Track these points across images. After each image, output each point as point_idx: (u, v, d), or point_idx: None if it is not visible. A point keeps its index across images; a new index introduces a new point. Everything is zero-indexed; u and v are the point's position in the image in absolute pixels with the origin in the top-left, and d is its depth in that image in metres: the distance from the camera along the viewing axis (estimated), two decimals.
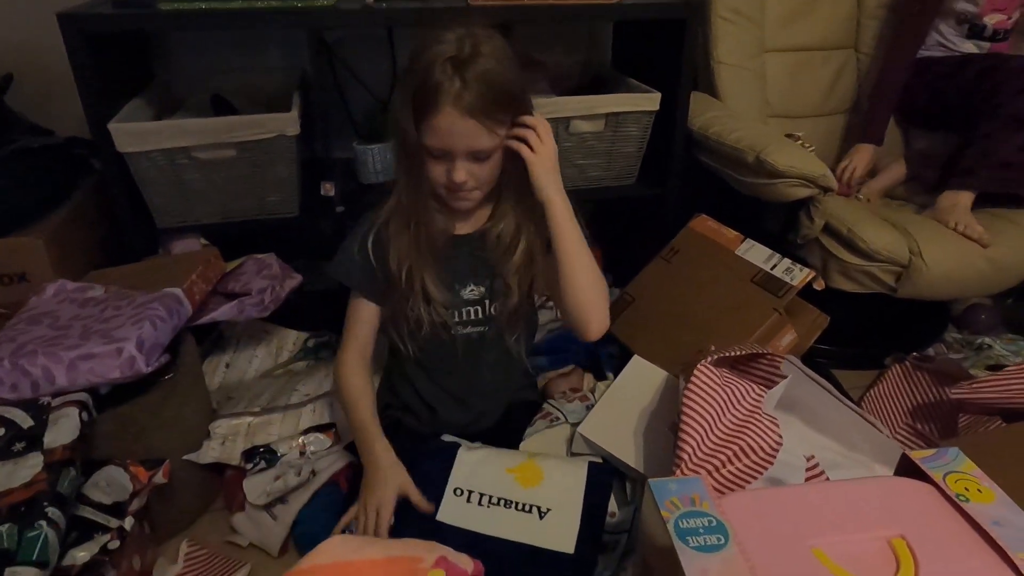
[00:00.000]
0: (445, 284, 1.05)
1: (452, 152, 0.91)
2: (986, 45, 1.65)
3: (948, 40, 1.67)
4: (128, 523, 0.94)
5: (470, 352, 1.12)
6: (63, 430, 0.93)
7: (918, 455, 0.79)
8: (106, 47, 1.22)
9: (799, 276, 1.21)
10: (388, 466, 0.98)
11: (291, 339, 1.48)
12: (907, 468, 0.80)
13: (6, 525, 0.81)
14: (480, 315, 1.10)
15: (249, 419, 1.21)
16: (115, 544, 0.91)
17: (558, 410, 1.15)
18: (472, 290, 1.08)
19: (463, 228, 1.07)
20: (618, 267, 1.76)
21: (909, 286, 1.38)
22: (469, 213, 1.05)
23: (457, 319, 1.09)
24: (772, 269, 1.25)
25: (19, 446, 0.91)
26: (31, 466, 0.89)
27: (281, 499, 1.08)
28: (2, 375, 0.97)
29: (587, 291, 0.98)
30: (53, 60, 1.40)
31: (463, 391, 1.15)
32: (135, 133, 1.20)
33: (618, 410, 1.12)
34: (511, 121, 0.93)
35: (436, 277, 1.04)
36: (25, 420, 0.94)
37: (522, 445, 1.10)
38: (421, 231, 1.00)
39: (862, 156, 1.69)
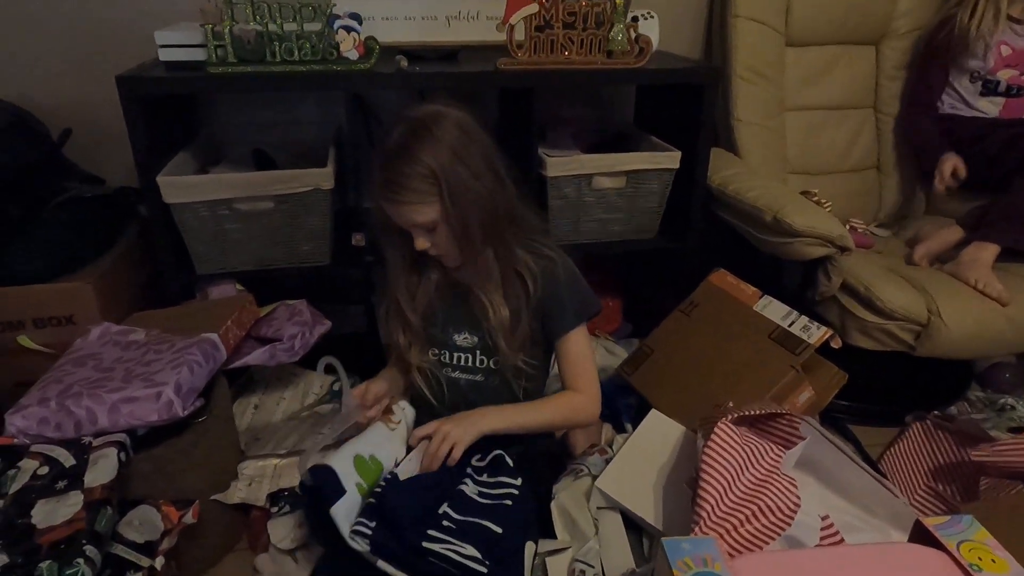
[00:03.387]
0: (438, 324, 1.14)
1: (404, 227, 1.02)
2: (1000, 100, 1.68)
3: (966, 98, 1.71)
4: (159, 563, 0.98)
5: (459, 398, 1.15)
6: (102, 470, 0.97)
7: (932, 522, 0.80)
8: (157, 105, 1.30)
9: (816, 335, 1.23)
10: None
11: (317, 382, 1.53)
12: (921, 535, 0.81)
13: (47, 562, 0.85)
14: (472, 363, 1.14)
15: (276, 461, 1.25)
16: None
17: (581, 464, 1.17)
18: (465, 337, 1.13)
19: (466, 278, 1.12)
20: (638, 319, 1.79)
21: (928, 344, 1.39)
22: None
23: (449, 361, 1.15)
24: (790, 326, 1.27)
25: (61, 484, 0.96)
26: (72, 504, 0.93)
27: (304, 544, 1.11)
28: (48, 415, 1.02)
29: (562, 426, 1.22)
30: (104, 115, 1.50)
31: None
32: (181, 186, 1.28)
33: (635, 464, 1.14)
34: (439, 196, 0.97)
35: (416, 316, 1.13)
36: (68, 459, 0.99)
37: (553, 503, 1.12)
38: (405, 284, 1.12)
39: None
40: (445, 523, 0.95)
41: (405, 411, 1.16)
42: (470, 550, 0.91)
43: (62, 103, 1.55)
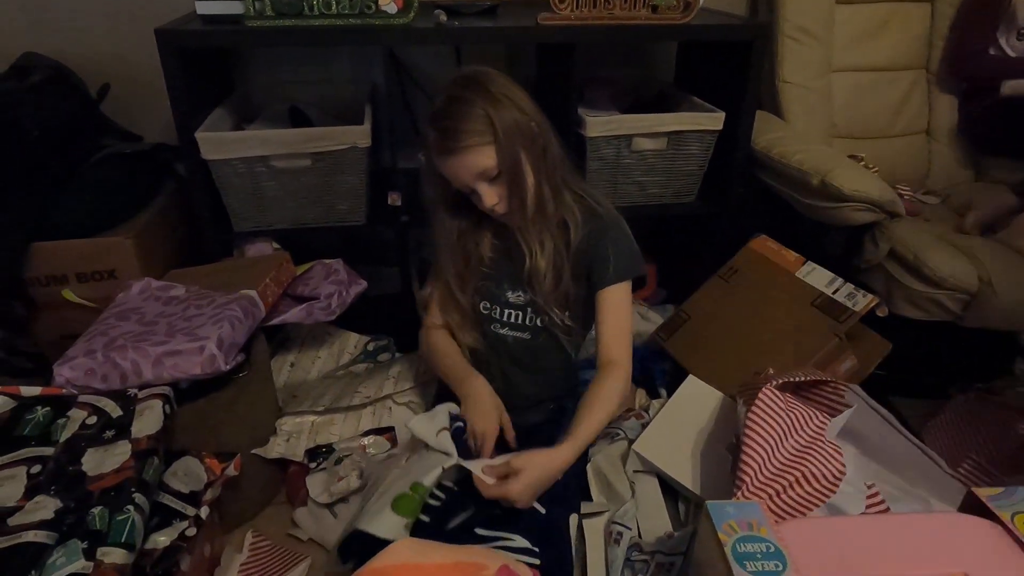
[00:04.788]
0: (494, 279, 1.14)
1: (468, 185, 1.01)
2: None
3: (1013, 58, 1.63)
4: (204, 512, 1.00)
5: (505, 355, 1.16)
6: (148, 421, 0.99)
7: (985, 492, 0.78)
8: (194, 60, 1.29)
9: (862, 302, 1.20)
10: (489, 396, 1.08)
11: (352, 342, 1.54)
12: (972, 505, 0.79)
13: (98, 508, 0.87)
14: (522, 320, 1.14)
15: (313, 418, 1.26)
16: (192, 531, 0.97)
17: (617, 428, 1.16)
18: (518, 295, 1.13)
19: (514, 224, 1.10)
20: (674, 284, 1.77)
21: (977, 315, 1.34)
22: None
23: (498, 317, 1.15)
24: (834, 293, 1.24)
25: (109, 434, 0.98)
26: (120, 453, 0.95)
27: (343, 499, 1.13)
28: (95, 366, 1.04)
29: None
30: (142, 71, 1.50)
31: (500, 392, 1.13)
32: (219, 142, 1.27)
33: (673, 429, 1.13)
34: (496, 136, 0.97)
35: (466, 297, 1.14)
36: (115, 410, 1.01)
37: (588, 466, 1.12)
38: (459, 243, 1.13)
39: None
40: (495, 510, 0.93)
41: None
42: (520, 541, 0.90)
43: (98, 57, 1.54)
